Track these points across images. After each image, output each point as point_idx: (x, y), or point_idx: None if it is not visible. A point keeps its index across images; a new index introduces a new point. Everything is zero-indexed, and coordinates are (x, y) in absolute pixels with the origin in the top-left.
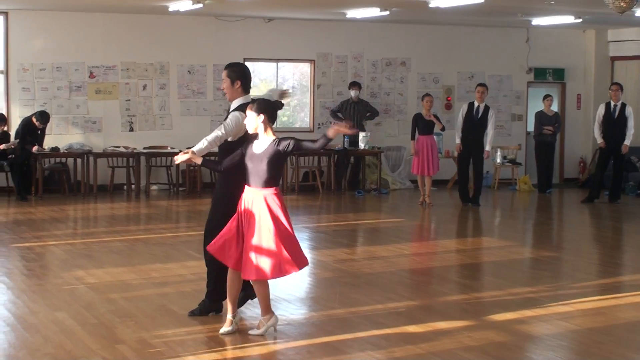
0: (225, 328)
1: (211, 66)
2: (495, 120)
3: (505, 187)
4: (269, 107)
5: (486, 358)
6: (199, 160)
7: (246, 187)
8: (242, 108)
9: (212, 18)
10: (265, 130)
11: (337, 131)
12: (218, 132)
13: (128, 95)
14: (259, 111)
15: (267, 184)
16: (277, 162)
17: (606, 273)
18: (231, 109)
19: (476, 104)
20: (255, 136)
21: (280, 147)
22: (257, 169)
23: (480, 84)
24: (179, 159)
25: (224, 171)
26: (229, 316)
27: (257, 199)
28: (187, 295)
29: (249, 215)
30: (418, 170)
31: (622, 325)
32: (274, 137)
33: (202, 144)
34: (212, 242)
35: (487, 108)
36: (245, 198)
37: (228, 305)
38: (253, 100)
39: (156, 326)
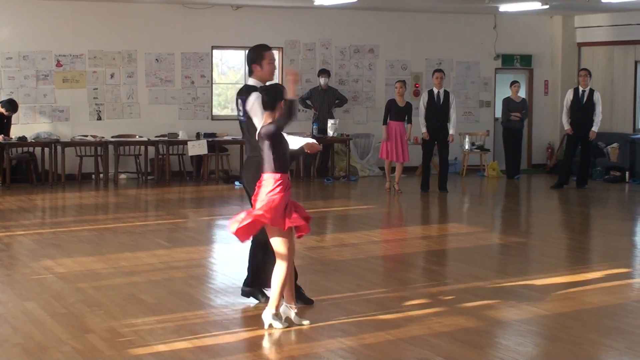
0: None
1: (179, 54)
2: (456, 104)
3: (474, 173)
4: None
5: (456, 344)
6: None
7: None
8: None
9: (179, 6)
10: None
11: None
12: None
13: (96, 84)
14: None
15: None
16: None
17: (574, 258)
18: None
19: (435, 90)
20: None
21: None
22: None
23: (437, 70)
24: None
25: None
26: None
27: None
28: (157, 284)
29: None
30: (386, 156)
31: (590, 310)
32: None
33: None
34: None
35: (447, 93)
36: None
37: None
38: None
39: (126, 315)
